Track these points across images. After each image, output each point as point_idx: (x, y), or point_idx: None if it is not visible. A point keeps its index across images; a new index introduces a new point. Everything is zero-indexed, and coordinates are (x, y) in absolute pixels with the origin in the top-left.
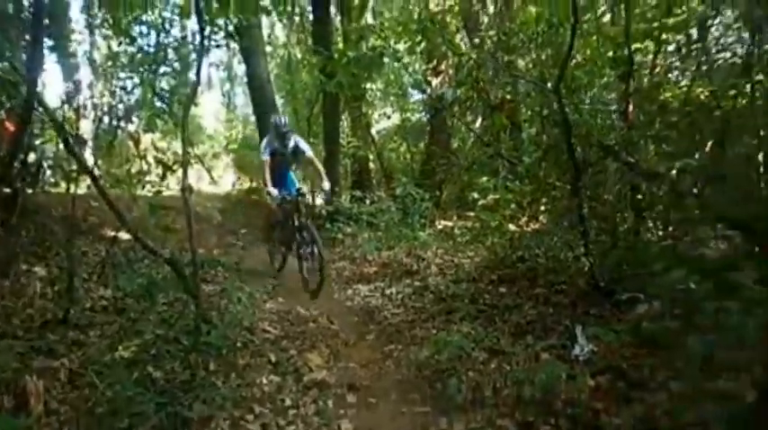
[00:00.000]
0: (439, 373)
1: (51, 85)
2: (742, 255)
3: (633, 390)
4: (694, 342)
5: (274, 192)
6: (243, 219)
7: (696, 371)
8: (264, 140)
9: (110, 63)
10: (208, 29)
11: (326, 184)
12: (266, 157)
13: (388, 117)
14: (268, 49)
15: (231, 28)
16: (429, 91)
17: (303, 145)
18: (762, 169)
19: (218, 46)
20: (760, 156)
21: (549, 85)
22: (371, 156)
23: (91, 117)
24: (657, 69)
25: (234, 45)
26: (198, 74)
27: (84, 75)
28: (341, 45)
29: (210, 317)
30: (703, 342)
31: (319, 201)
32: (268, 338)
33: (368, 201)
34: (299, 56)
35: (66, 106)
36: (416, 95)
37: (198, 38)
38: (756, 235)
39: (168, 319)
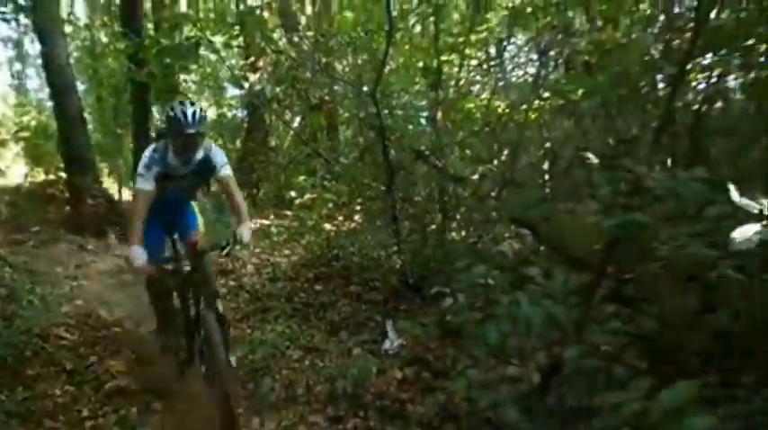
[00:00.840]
0: (252, 373)
1: None
2: (531, 252)
3: (437, 380)
4: (489, 331)
5: (139, 257)
6: (36, 214)
7: (491, 359)
8: (149, 151)
9: None
10: None
11: (246, 231)
12: (147, 186)
13: None
14: (68, 29)
15: (22, 0)
16: (247, 87)
17: (218, 156)
18: (546, 176)
19: (5, 20)
20: (545, 165)
21: (365, 88)
22: None
23: None
24: (462, 82)
25: (26, 21)
26: None
27: None
28: (152, 32)
29: None
30: (497, 331)
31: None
32: (64, 345)
33: None
34: (105, 39)
35: None
36: (233, 91)
37: None
38: (541, 235)
39: None
